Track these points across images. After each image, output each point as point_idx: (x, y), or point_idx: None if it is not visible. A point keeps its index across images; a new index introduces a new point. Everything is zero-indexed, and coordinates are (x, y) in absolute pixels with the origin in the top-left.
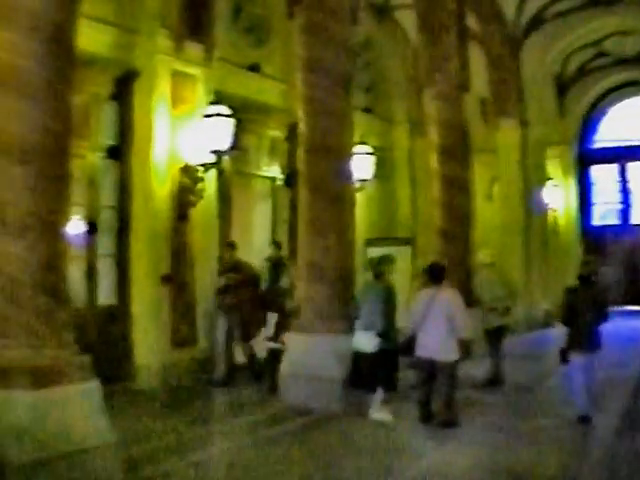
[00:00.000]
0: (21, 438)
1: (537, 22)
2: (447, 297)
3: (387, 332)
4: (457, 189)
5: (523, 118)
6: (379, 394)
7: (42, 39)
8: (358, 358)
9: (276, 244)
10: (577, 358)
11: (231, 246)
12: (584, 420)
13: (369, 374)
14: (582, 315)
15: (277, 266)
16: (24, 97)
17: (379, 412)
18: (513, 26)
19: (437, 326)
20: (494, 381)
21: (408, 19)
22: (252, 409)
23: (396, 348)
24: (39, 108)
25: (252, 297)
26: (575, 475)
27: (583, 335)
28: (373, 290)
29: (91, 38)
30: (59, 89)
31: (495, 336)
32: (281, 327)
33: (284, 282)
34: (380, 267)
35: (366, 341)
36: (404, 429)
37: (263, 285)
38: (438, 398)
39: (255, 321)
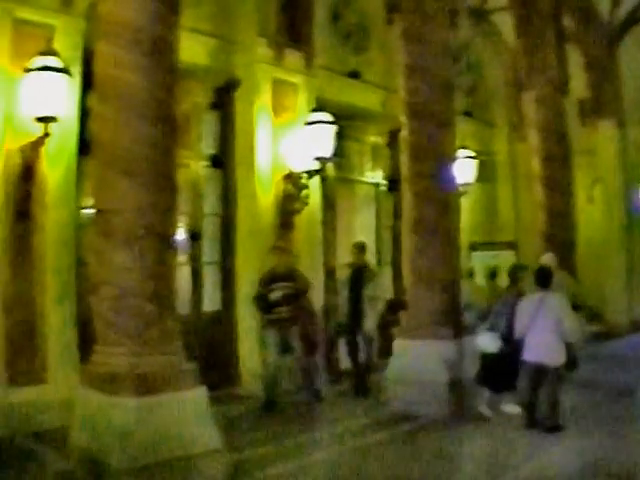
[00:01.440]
0: (126, 443)
1: (632, 20)
2: (556, 301)
3: (509, 335)
4: (559, 192)
5: (621, 118)
6: (500, 395)
7: (144, 52)
8: (481, 358)
9: (359, 247)
10: None
11: (283, 250)
12: None
13: (490, 374)
14: None
15: (360, 273)
16: (129, 109)
17: (486, 409)
18: (609, 26)
19: (545, 330)
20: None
21: (505, 22)
22: (358, 414)
23: (515, 351)
24: (143, 119)
25: (308, 308)
26: None
27: None
28: (505, 295)
29: (191, 49)
30: (162, 100)
31: None
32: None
33: (369, 291)
34: (516, 273)
35: (487, 342)
36: (509, 433)
37: (343, 294)
38: (543, 402)
39: (315, 333)
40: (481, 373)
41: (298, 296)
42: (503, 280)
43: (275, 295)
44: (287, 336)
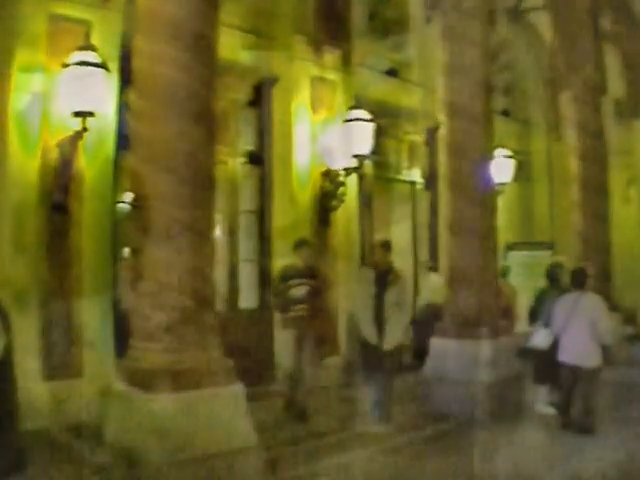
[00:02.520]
0: (163, 439)
1: None
2: (591, 302)
3: None
4: (596, 192)
5: None
6: (546, 390)
7: (184, 47)
8: (527, 354)
9: (384, 245)
10: None
11: (308, 245)
12: None
13: (538, 370)
14: None
15: (383, 275)
16: (168, 105)
17: (544, 407)
18: None
19: (580, 331)
20: None
21: (542, 21)
22: (395, 413)
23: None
24: (182, 115)
25: (325, 308)
26: None
27: None
28: (551, 293)
29: (230, 46)
30: (202, 96)
31: None
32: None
33: (391, 296)
34: (555, 272)
35: (541, 338)
36: (544, 434)
37: (363, 298)
38: (578, 403)
39: (327, 337)
40: (535, 370)
41: (316, 294)
42: (513, 279)
43: (296, 292)
44: (303, 336)
